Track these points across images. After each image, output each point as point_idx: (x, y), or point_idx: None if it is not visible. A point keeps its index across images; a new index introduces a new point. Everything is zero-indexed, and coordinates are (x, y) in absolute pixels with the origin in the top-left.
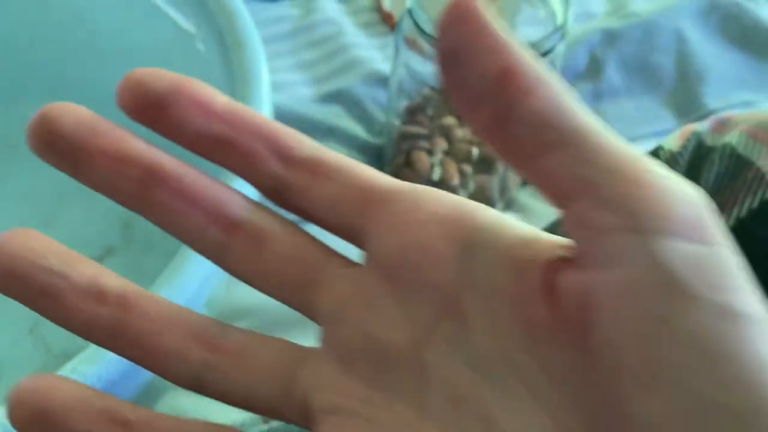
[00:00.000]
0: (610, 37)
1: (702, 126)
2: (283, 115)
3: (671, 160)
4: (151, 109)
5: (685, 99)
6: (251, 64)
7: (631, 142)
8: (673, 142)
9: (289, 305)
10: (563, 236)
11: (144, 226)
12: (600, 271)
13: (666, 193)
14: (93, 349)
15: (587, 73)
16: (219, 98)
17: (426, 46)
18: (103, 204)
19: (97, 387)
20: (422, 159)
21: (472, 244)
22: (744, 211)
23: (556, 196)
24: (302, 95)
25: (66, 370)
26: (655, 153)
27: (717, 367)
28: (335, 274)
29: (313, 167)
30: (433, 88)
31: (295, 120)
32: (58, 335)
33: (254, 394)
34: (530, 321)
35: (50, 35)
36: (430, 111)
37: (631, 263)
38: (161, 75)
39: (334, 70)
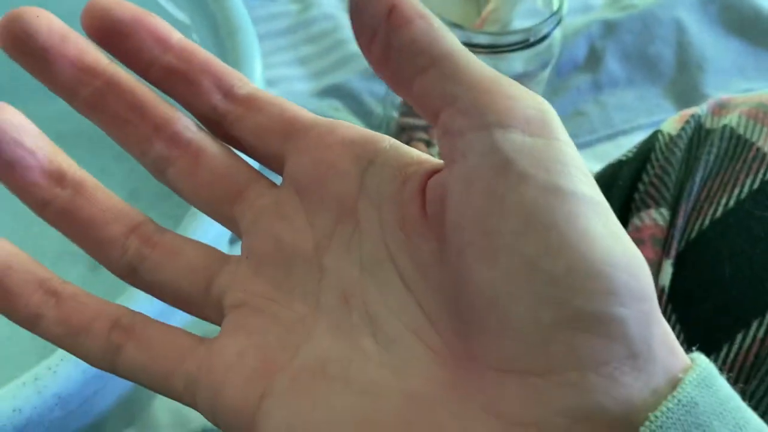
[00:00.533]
0: (609, 28)
1: (701, 109)
2: None
3: (670, 144)
4: (112, 34)
5: (685, 88)
6: (245, 53)
7: (632, 131)
8: (671, 125)
9: (215, 218)
10: None
11: (146, 200)
12: (453, 165)
13: (513, 98)
14: None
15: (587, 65)
16: (175, 34)
17: None
18: (109, 180)
19: (87, 375)
20: (421, 149)
21: (372, 162)
22: (745, 192)
23: (429, 113)
24: (300, 90)
25: (56, 357)
26: (654, 137)
27: (542, 235)
28: (258, 192)
29: (249, 102)
30: None
31: None
32: None
33: (180, 289)
34: (407, 220)
35: None
36: None
37: (473, 153)
38: (125, 5)
39: (331, 65)
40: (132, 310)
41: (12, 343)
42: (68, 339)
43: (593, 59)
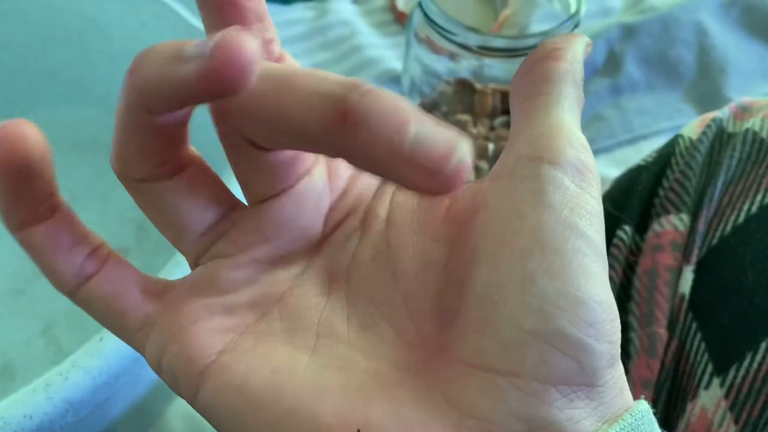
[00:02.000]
0: (628, 32)
1: (722, 112)
2: None
3: (690, 148)
4: None
5: (707, 92)
6: None
7: (652, 136)
8: (692, 129)
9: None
10: None
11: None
12: (499, 180)
13: (570, 147)
14: (94, 342)
15: (606, 69)
16: None
17: (437, 39)
18: (116, 206)
19: (98, 381)
20: None
21: None
22: None
23: (514, 123)
24: None
25: (67, 364)
26: (674, 141)
27: (547, 257)
28: None
29: None
30: (447, 82)
31: None
32: (71, 336)
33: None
34: (426, 224)
35: (64, 41)
36: (444, 108)
37: (519, 175)
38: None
39: (347, 71)
40: (108, 245)
41: (28, 349)
42: (46, 255)
43: (612, 63)
